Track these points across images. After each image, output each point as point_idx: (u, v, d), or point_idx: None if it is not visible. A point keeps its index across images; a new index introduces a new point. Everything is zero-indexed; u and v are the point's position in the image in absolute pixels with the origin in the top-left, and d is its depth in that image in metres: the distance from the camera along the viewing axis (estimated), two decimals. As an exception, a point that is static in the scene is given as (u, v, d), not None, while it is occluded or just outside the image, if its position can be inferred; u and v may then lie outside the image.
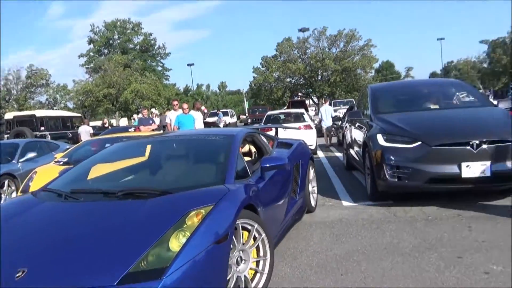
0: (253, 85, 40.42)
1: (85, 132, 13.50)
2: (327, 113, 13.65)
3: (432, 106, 6.05)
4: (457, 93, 6.58)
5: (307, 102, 34.19)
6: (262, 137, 4.42)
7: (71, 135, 14.88)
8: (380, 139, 5.06)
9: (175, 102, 10.53)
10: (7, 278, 2.20)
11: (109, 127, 15.39)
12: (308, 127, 11.08)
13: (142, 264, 2.14)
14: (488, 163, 4.47)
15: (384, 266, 3.23)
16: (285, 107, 30.59)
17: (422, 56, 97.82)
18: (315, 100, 38.98)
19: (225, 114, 31.29)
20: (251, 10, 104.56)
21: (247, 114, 35.41)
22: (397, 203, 5.05)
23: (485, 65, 43.12)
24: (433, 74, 64.62)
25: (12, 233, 2.60)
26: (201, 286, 2.21)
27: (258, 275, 2.75)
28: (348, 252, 3.60)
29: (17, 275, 2.19)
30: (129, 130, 13.30)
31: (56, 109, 32.25)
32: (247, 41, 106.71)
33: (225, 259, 2.39)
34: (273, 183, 3.52)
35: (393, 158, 4.81)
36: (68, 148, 8.24)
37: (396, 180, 4.78)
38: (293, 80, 38.20)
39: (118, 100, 33.87)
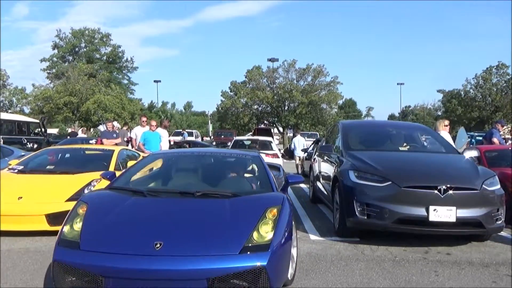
0: (220, 108, 40.46)
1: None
2: (300, 143, 13.97)
3: (402, 148, 6.22)
4: (423, 138, 6.83)
5: (272, 130, 34.50)
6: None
7: (26, 141, 14.03)
8: (352, 175, 5.10)
9: (144, 118, 10.27)
10: (147, 248, 2.91)
11: (96, 136, 14.53)
12: (275, 156, 11.13)
13: (252, 240, 3.04)
14: (453, 208, 4.59)
15: (355, 307, 3.16)
16: (251, 134, 30.75)
17: (382, 98, 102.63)
18: (280, 129, 39.50)
19: (190, 134, 31.01)
20: (222, 35, 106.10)
21: (211, 137, 35.21)
22: (364, 240, 5.06)
23: (439, 113, 45.70)
24: (391, 116, 67.58)
25: (130, 216, 3.32)
26: (285, 256, 3.22)
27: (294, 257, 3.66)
28: (319, 289, 3.51)
29: (156, 246, 2.91)
30: (91, 142, 12.79)
31: (10, 113, 30.60)
32: (216, 64, 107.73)
33: (291, 241, 3.42)
34: None
35: (363, 196, 4.84)
36: (23, 155, 7.75)
37: (365, 217, 4.79)
38: (260, 108, 38.59)
39: (79, 110, 32.67)
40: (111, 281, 2.83)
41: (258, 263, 2.90)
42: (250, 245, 3.01)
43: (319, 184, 7.30)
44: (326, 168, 6.82)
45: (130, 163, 6.62)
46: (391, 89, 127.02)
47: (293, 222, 3.56)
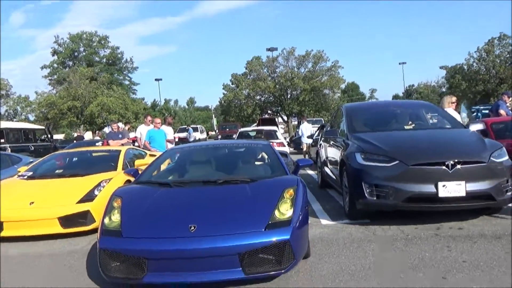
0: (223, 101, 40.41)
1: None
2: (307, 130, 14.00)
3: (407, 127, 6.19)
4: (428, 115, 6.79)
5: (276, 120, 34.45)
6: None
7: (33, 148, 14.15)
8: (359, 157, 5.09)
9: (149, 118, 10.28)
10: (183, 231, 3.28)
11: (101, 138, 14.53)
12: (281, 144, 11.14)
13: (274, 218, 3.39)
14: (462, 182, 4.57)
15: (372, 286, 3.17)
16: (255, 124, 30.75)
17: (385, 79, 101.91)
18: (285, 118, 39.39)
19: (195, 130, 31.08)
20: (220, 28, 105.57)
21: (216, 131, 35.25)
22: (375, 221, 5.07)
23: (443, 90, 45.28)
24: (395, 97, 67.15)
25: (162, 205, 3.70)
26: (304, 230, 3.57)
27: None
28: (333, 272, 3.55)
29: (191, 229, 3.28)
30: (97, 144, 12.87)
31: (16, 121, 30.80)
32: (216, 57, 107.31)
33: (308, 217, 3.80)
34: None
35: (371, 177, 4.84)
36: (32, 162, 7.83)
37: (374, 198, 4.80)
38: (263, 98, 38.47)
39: (83, 113, 32.82)
40: (154, 262, 3.18)
41: (283, 237, 3.24)
42: (273, 222, 3.36)
43: (326, 169, 7.31)
44: (332, 152, 6.81)
45: (138, 162, 6.67)
46: (394, 70, 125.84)
47: (307, 199, 3.96)
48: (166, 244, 3.21)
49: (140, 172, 4.85)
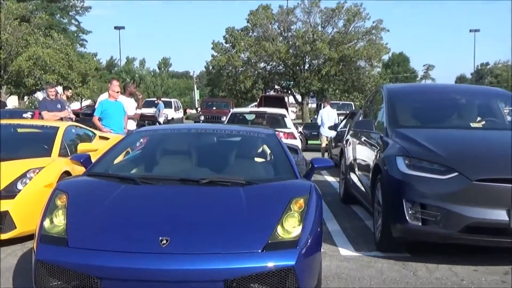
0: (210, 67, 40.37)
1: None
2: (330, 118, 14.00)
3: (474, 124, 6.22)
4: (506, 108, 6.80)
5: (286, 99, 34.46)
6: None
7: None
8: (401, 163, 5.13)
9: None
10: (152, 245, 3.37)
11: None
12: (290, 136, 11.15)
13: (276, 236, 3.49)
14: (549, 211, 4.60)
15: None
16: (255, 104, 30.72)
17: (447, 52, 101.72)
18: (299, 98, 39.37)
19: (167, 105, 31.02)
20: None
21: (198, 109, 35.30)
22: (417, 256, 5.12)
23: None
24: (460, 79, 67.21)
25: (124, 208, 3.82)
26: (315, 255, 3.68)
27: None
28: (352, 325, 3.59)
29: (162, 243, 3.36)
30: (24, 115, 12.86)
31: None
32: (206, 4, 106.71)
33: (321, 239, 3.95)
34: None
35: (417, 193, 4.88)
36: None
37: (419, 224, 4.84)
38: (269, 66, 38.48)
39: (7, 69, 32.70)
40: (109, 283, 3.25)
41: (286, 263, 3.33)
42: (274, 241, 3.46)
43: (353, 177, 7.34)
44: (363, 153, 6.83)
45: (82, 147, 6.69)
46: (461, 39, 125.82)
47: (322, 216, 4.07)
48: (127, 261, 3.28)
49: (93, 160, 4.92)
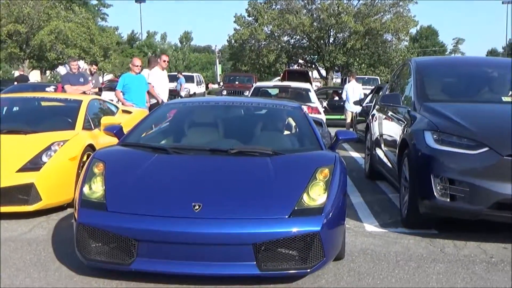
0: (233, 41, 40.21)
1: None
2: (355, 93, 13.98)
3: (505, 98, 6.12)
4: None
5: (310, 74, 34.25)
6: None
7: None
8: (429, 138, 5.10)
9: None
10: (185, 210, 3.62)
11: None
12: (315, 110, 11.11)
13: (302, 203, 3.72)
14: None
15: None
16: (278, 78, 30.64)
17: (478, 25, 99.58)
18: (323, 72, 39.11)
19: (189, 79, 31.10)
20: None
21: (221, 83, 35.26)
22: (445, 233, 5.12)
23: None
24: (492, 53, 65.79)
25: (158, 176, 4.09)
26: (339, 222, 3.91)
27: None
28: (377, 300, 3.61)
29: (195, 208, 3.60)
30: (48, 89, 13.02)
31: None
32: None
33: (345, 207, 4.16)
34: None
35: (445, 168, 4.85)
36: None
37: (447, 200, 4.82)
38: (292, 40, 38.20)
39: (29, 43, 33.04)
40: (145, 246, 3.54)
41: (311, 228, 3.55)
42: (300, 208, 3.69)
43: (379, 152, 7.33)
44: (390, 128, 6.80)
45: (106, 120, 6.76)
46: (493, 11, 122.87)
47: (347, 186, 4.24)
48: (162, 224, 3.53)
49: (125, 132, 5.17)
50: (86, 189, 3.91)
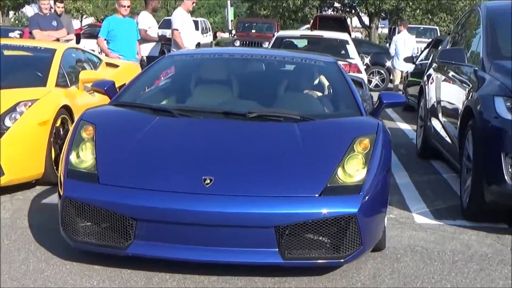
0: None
1: None
2: (407, 47, 13.84)
3: None
4: None
5: (349, 21, 33.99)
6: None
7: None
8: (501, 106, 5.10)
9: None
10: (194, 184, 3.69)
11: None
12: (354, 68, 11.06)
13: (336, 180, 3.78)
14: None
15: None
16: (307, 27, 30.42)
17: None
18: (365, 20, 38.77)
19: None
20: None
21: (233, 31, 35.15)
22: (517, 229, 5.14)
23: None
24: None
25: (161, 143, 4.20)
26: (381, 204, 4.02)
27: None
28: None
29: (205, 182, 3.68)
30: (11, 35, 13.08)
31: None
32: None
33: (390, 184, 4.29)
34: None
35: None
36: None
37: (522, 185, 4.82)
38: (326, -22, 37.87)
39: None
40: (144, 226, 3.62)
41: (347, 209, 3.61)
42: (334, 185, 3.76)
43: (435, 124, 7.32)
44: (451, 92, 6.79)
45: (85, 74, 6.80)
46: None
47: (391, 159, 4.37)
48: (166, 201, 3.60)
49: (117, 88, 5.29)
50: (73, 157, 3.95)
